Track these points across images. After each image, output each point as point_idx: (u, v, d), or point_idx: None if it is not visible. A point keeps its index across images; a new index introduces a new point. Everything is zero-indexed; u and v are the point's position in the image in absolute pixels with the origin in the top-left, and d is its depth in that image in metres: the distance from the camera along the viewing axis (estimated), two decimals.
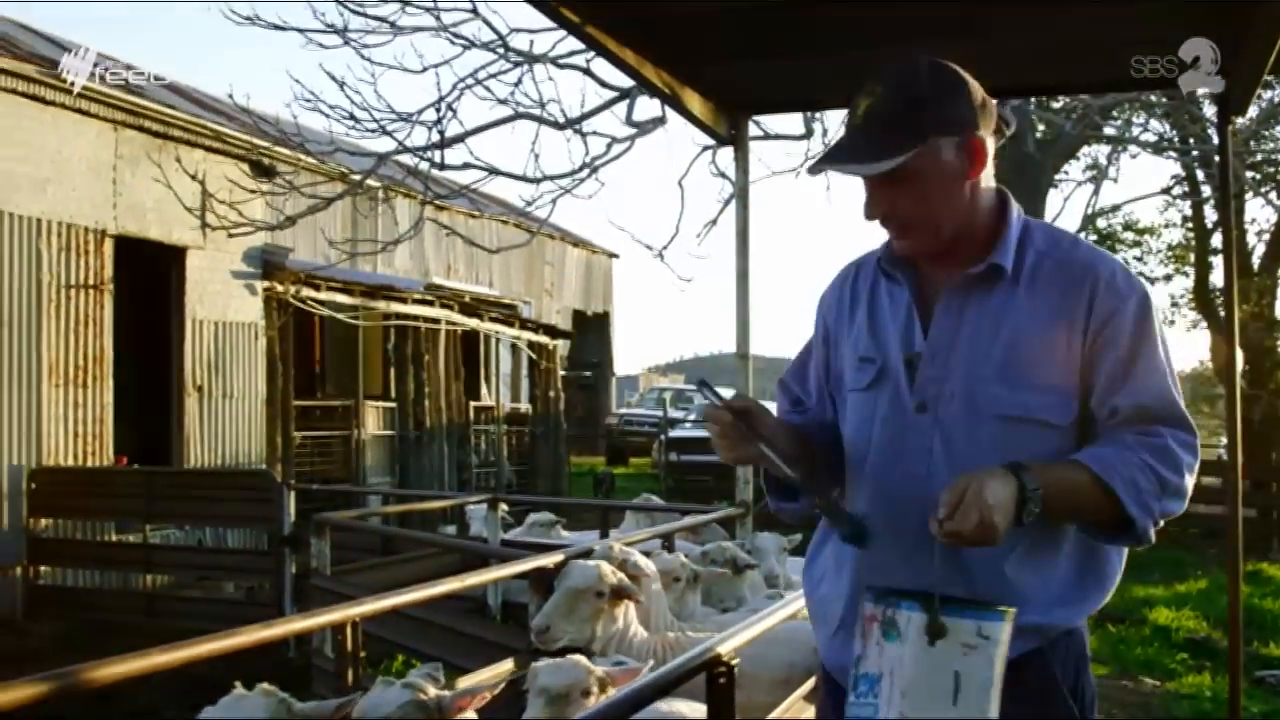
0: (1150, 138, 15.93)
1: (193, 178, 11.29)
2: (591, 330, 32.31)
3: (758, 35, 4.85)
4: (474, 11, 8.65)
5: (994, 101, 2.36)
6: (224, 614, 10.66)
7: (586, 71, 9.20)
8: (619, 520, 9.86)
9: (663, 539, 6.47)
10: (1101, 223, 19.12)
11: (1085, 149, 15.84)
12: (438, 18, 8.84)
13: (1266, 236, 16.53)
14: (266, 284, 14.92)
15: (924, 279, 2.42)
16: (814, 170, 2.40)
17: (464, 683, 4.09)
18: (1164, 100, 13.42)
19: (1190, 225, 18.31)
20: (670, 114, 8.99)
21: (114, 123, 12.65)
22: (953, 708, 1.97)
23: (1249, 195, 16.07)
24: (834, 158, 2.33)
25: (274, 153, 13.60)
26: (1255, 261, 16.08)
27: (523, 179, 9.00)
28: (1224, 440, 24.35)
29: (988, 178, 2.35)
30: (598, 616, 4.50)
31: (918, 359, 2.36)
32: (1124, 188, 78.78)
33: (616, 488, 22.80)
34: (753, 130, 7.91)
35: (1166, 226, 20.17)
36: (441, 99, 8.69)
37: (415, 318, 17.89)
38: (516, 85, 9.07)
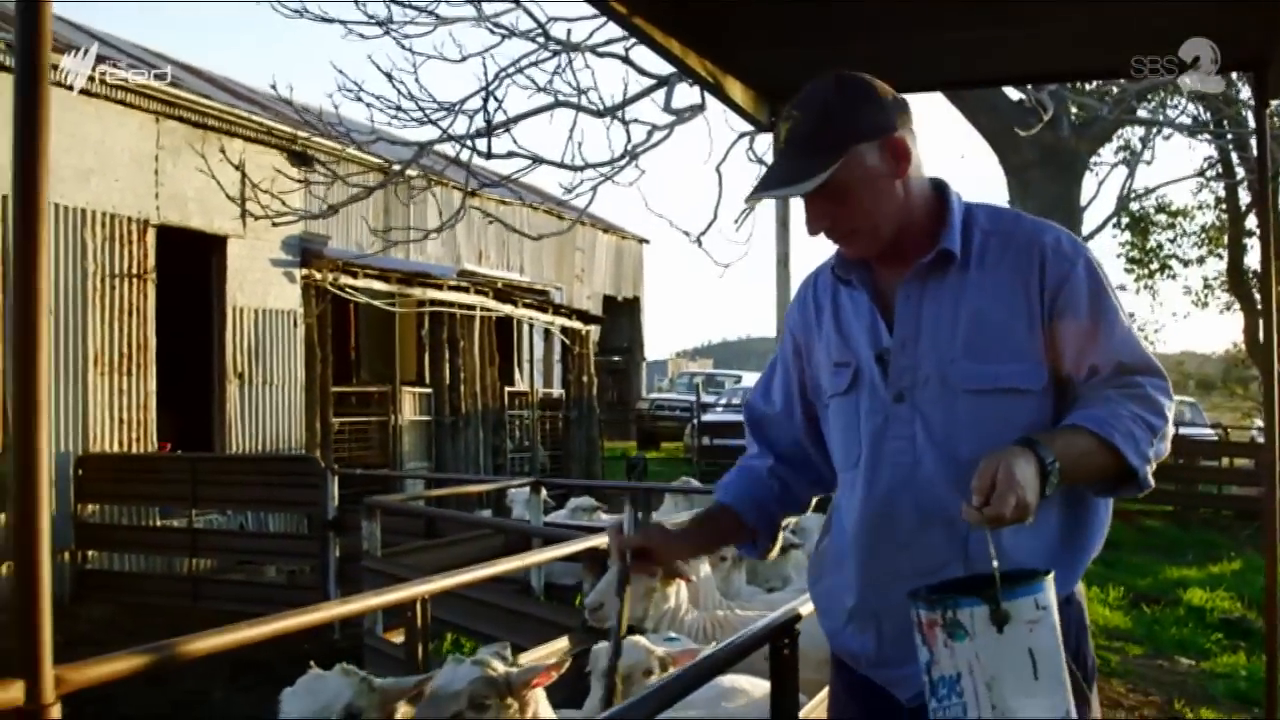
0: (1185, 120, 15.88)
1: (236, 167, 11.43)
2: (622, 315, 32.36)
3: (798, 21, 4.94)
4: (516, 1, 8.73)
5: (905, 99, 2.45)
6: (269, 597, 10.83)
7: (625, 60, 9.24)
8: (658, 504, 9.98)
9: None
10: (1134, 206, 19.04)
11: (1119, 132, 15.80)
12: (479, 8, 8.93)
13: None
14: (305, 271, 15.09)
15: (878, 277, 2.50)
16: (749, 200, 2.50)
17: (525, 659, 4.20)
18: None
19: (1224, 208, 18.22)
20: (708, 101, 9.05)
21: (155, 114, 12.81)
22: (1036, 683, 2.02)
23: None
24: (766, 185, 2.40)
25: (313, 143, 13.73)
26: None
27: (566, 167, 9.04)
28: (1258, 422, 24.33)
29: (918, 172, 2.44)
30: (650, 595, 4.62)
31: (888, 354, 2.44)
32: (1157, 170, 78.20)
33: (649, 472, 22.89)
34: None
35: (1199, 209, 20.09)
36: (485, 88, 8.76)
37: (451, 304, 18.01)
38: (556, 73, 9.07)
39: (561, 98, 9.16)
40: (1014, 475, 2.07)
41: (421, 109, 8.60)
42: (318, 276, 15.17)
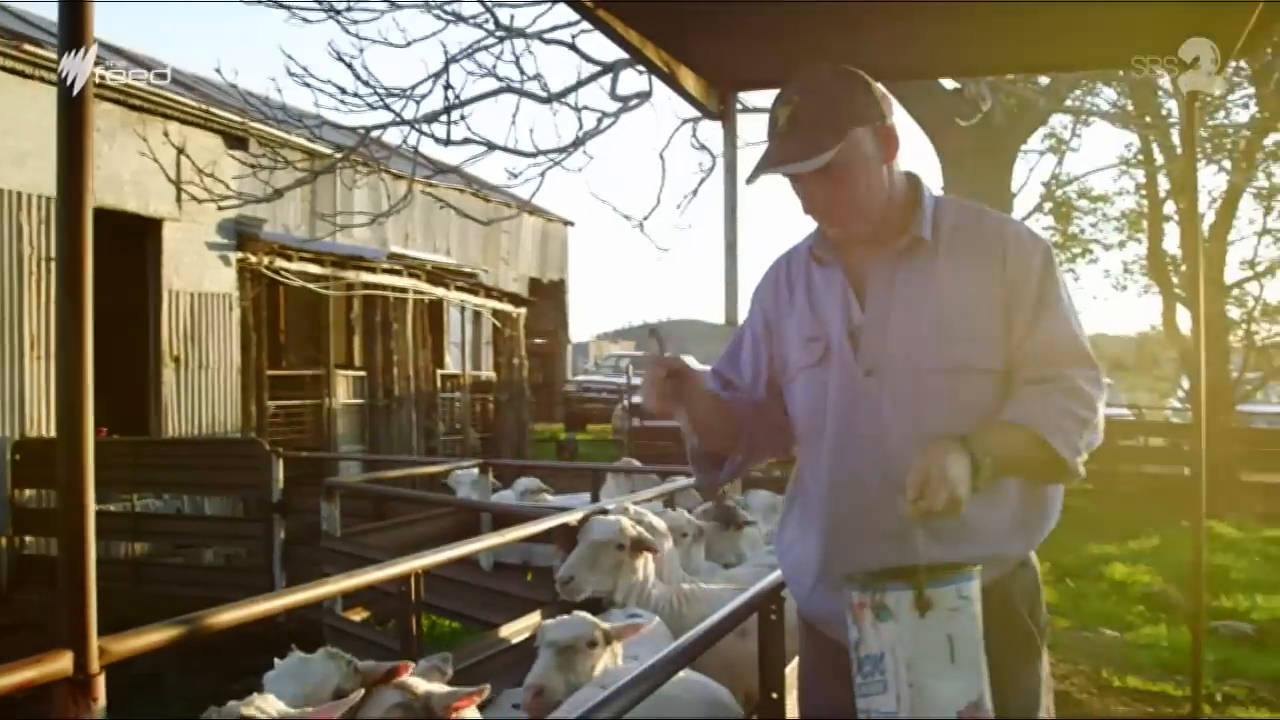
0: (1105, 106, 16.24)
1: (180, 151, 11.39)
2: (547, 298, 32.41)
3: (751, 15, 5.12)
4: None
5: (888, 94, 2.60)
6: (213, 579, 10.89)
7: (572, 46, 9.34)
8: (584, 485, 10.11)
9: (665, 498, 6.75)
10: (1059, 192, 19.38)
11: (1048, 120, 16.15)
12: None
13: (1217, 205, 16.88)
14: (240, 255, 15.02)
15: (852, 258, 2.65)
16: (752, 178, 2.55)
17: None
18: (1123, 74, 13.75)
19: (1144, 194, 18.60)
20: (655, 88, 9.18)
21: (97, 98, 12.67)
22: (952, 666, 2.19)
23: (1202, 164, 16.45)
24: (771, 162, 2.50)
25: (256, 129, 13.68)
26: (1205, 229, 16.42)
27: (519, 153, 9.13)
28: (1173, 402, 24.96)
29: (898, 161, 2.60)
30: (618, 569, 4.76)
31: (859, 331, 2.58)
32: (1083, 157, 79.44)
33: (579, 453, 23.04)
34: None
35: (1120, 194, 20.49)
36: (438, 74, 8.82)
37: (384, 287, 18.00)
38: (499, 59, 9.15)
39: (510, 83, 9.24)
40: (946, 473, 2.24)
41: (377, 93, 8.64)
42: (253, 260, 15.11)
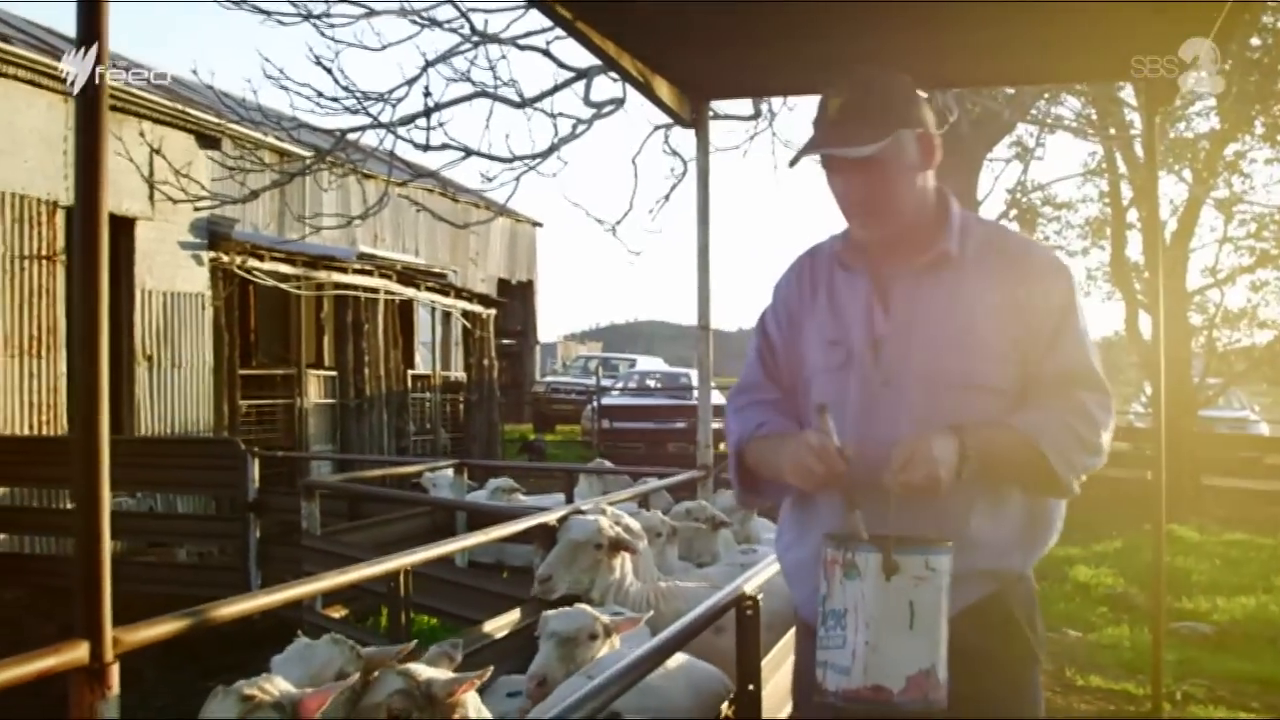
0: (1067, 113, 16.45)
1: (156, 151, 11.42)
2: (515, 298, 32.45)
3: (721, 27, 5.29)
4: None
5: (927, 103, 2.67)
6: (188, 578, 10.91)
7: (546, 53, 9.46)
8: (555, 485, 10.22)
9: (640, 499, 6.86)
10: (1024, 199, 19.54)
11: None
12: (402, 1, 9.06)
13: (1179, 213, 17.07)
14: (213, 254, 15.01)
15: (878, 267, 2.67)
16: (799, 157, 2.60)
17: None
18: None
19: (1107, 201, 18.77)
20: (628, 95, 9.31)
21: (65, 95, 12.66)
22: (909, 631, 2.26)
23: (1163, 173, 16.64)
24: (821, 144, 2.57)
25: (230, 129, 13.70)
26: (1167, 237, 16.61)
27: (496, 159, 9.24)
28: (1135, 407, 25.16)
29: (933, 174, 2.66)
30: (596, 567, 4.87)
31: (881, 341, 2.60)
32: (1047, 165, 79.88)
33: (548, 454, 23.12)
34: None
35: (1083, 201, 20.67)
36: (414, 79, 8.93)
37: (355, 287, 18.04)
38: (475, 64, 9.31)
39: (485, 88, 9.34)
40: (931, 452, 2.33)
41: (354, 97, 8.73)
42: (225, 259, 15.13)
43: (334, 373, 18.31)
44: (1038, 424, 2.47)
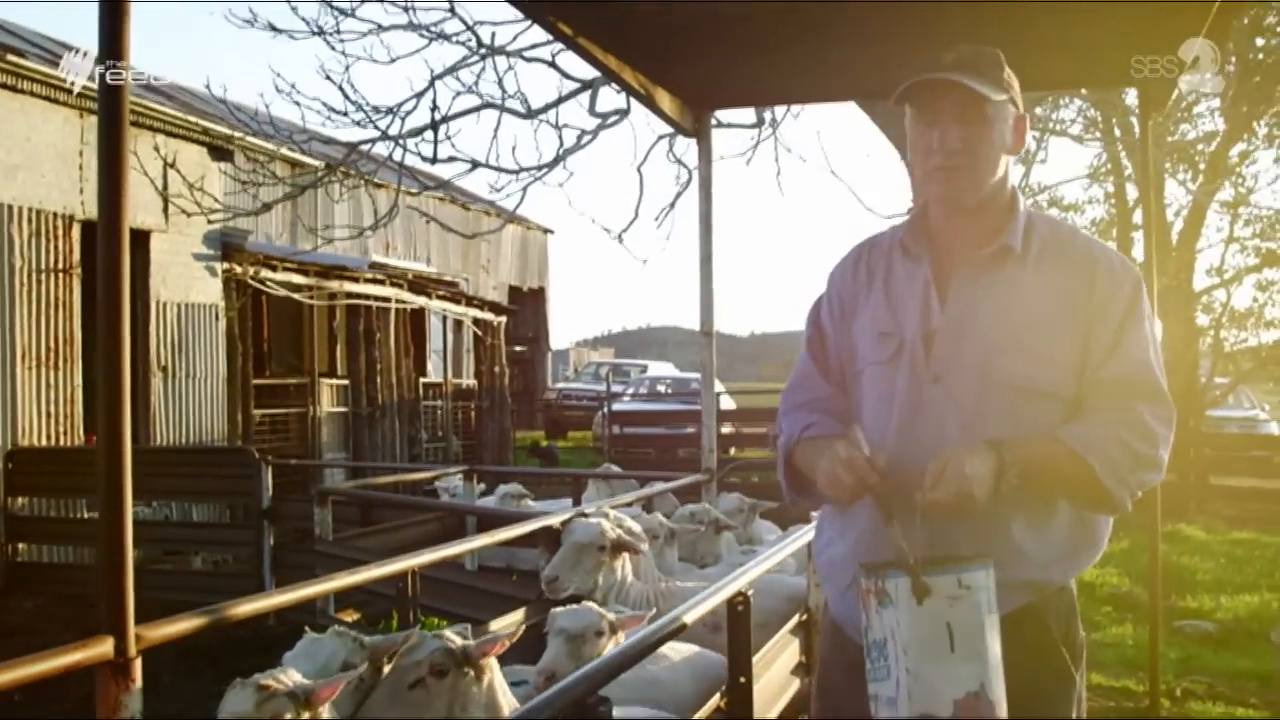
0: (1070, 114, 16.50)
1: (170, 165, 11.58)
2: (527, 305, 32.54)
3: (720, 39, 5.42)
4: (451, 10, 9.05)
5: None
6: (204, 585, 11.02)
7: (552, 64, 9.59)
8: (565, 491, 10.34)
9: (643, 502, 6.99)
10: (1029, 201, 19.55)
11: None
12: (411, 16, 9.21)
13: (1185, 214, 17.06)
14: (226, 266, 15.19)
15: (940, 257, 2.60)
16: (905, 94, 2.52)
17: (494, 626, 4.59)
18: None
19: (1113, 202, 18.75)
20: (633, 106, 9.43)
21: (79, 110, 12.85)
22: (951, 655, 2.18)
23: (1167, 175, 16.70)
24: (941, 68, 2.47)
25: (243, 141, 13.86)
26: (1174, 238, 16.63)
27: (503, 170, 9.39)
28: None
29: (1010, 165, 2.60)
30: (599, 568, 5.02)
31: (935, 335, 2.52)
32: (1051, 167, 79.53)
33: (560, 460, 23.18)
34: None
35: (1089, 203, 20.67)
36: (422, 92, 9.07)
37: (367, 296, 18.19)
38: (482, 76, 9.43)
39: (491, 100, 9.48)
40: (964, 469, 2.25)
41: (364, 111, 8.88)
42: (238, 270, 15.31)
43: (346, 381, 18.46)
44: (1087, 437, 2.38)
